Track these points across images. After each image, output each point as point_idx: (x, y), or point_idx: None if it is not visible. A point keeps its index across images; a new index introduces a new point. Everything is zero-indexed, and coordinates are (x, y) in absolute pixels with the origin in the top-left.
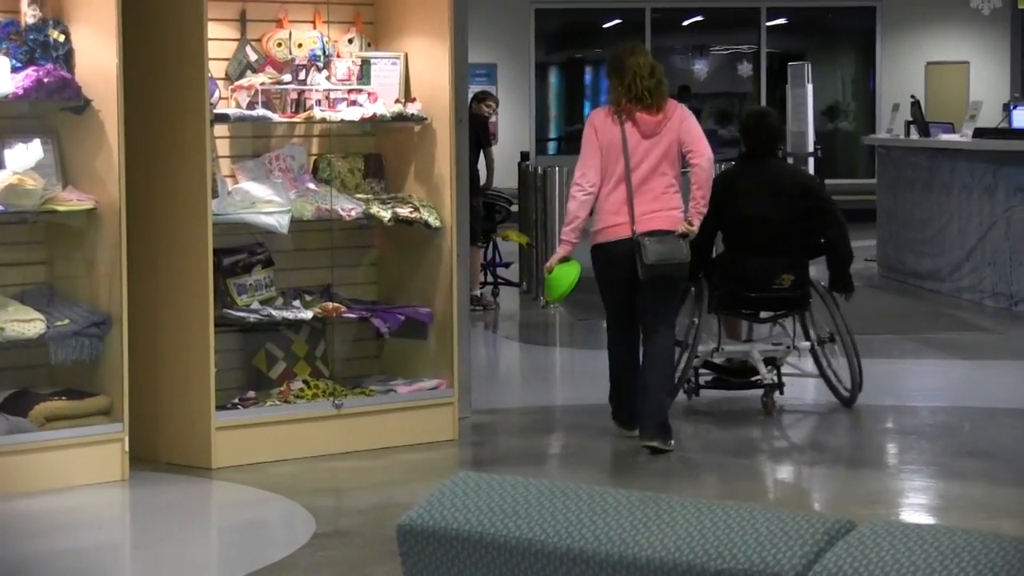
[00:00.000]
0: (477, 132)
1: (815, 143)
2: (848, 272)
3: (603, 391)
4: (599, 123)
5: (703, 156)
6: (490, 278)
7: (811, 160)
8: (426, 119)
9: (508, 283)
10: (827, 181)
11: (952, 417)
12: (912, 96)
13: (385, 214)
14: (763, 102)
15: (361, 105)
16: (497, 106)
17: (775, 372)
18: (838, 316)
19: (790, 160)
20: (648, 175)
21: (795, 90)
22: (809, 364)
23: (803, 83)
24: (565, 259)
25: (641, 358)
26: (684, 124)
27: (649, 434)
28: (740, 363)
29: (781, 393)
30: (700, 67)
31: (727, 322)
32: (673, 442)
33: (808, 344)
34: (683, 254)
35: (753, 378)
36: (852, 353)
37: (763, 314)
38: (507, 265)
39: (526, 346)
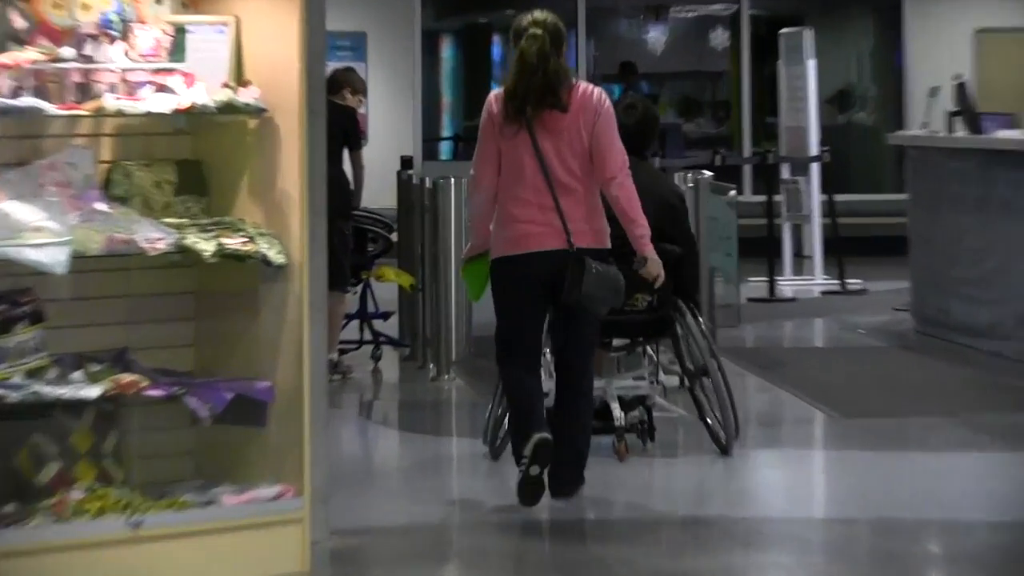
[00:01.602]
0: (344, 129)
1: (821, 144)
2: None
3: (515, 498)
4: (496, 110)
5: (617, 171)
6: (367, 335)
7: (814, 169)
8: (265, 111)
9: (389, 342)
10: (841, 198)
11: (1022, 537)
12: (956, 76)
13: (207, 246)
14: (746, 85)
15: (173, 91)
16: (365, 93)
17: (645, 413)
18: (702, 340)
19: (785, 169)
20: (564, 174)
21: (790, 68)
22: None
23: (802, 58)
24: (476, 257)
25: (556, 402)
26: (598, 122)
27: (564, 491)
28: (599, 404)
29: (652, 439)
30: (655, 36)
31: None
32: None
33: (675, 379)
34: (621, 282)
35: (610, 422)
36: (722, 385)
37: (616, 342)
38: (385, 316)
39: (409, 436)
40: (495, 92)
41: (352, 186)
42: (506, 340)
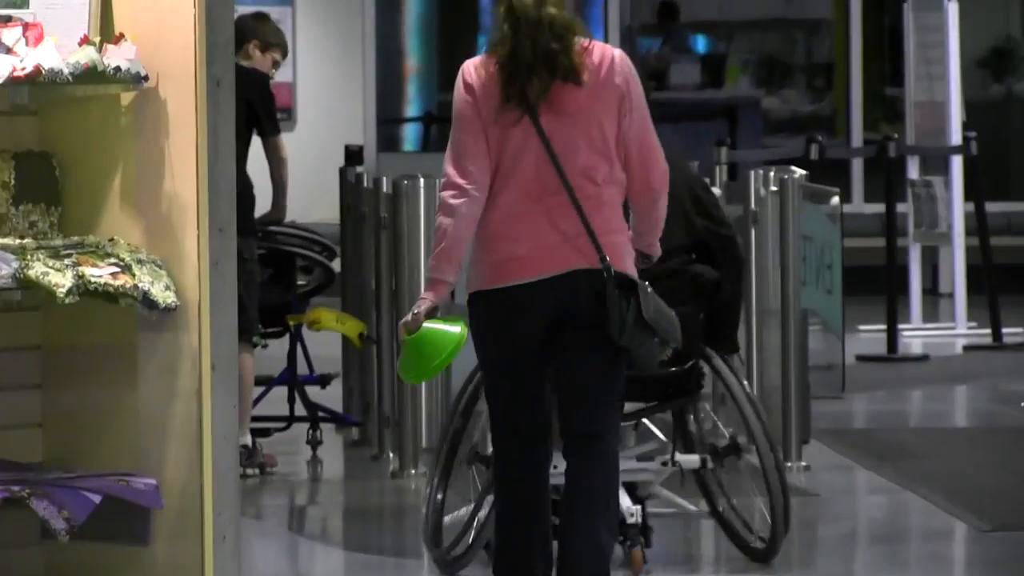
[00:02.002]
0: (248, 102)
1: (965, 127)
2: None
3: None
4: (479, 83)
5: (658, 177)
6: (299, 408)
7: (955, 165)
8: (146, 78)
9: (330, 418)
10: (994, 208)
11: None
12: None
13: (60, 280)
14: (856, 40)
15: (10, 50)
16: (284, 51)
17: (640, 509)
18: (747, 405)
19: (914, 165)
20: (578, 173)
21: (922, 14)
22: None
23: (938, 2)
24: (434, 311)
25: (567, 483)
26: (627, 104)
27: None
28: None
29: (647, 544)
30: None
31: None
32: None
33: (696, 458)
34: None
35: None
36: (774, 469)
37: (626, 407)
38: (323, 381)
39: (359, 560)
40: (473, 61)
41: (272, 189)
42: (505, 412)
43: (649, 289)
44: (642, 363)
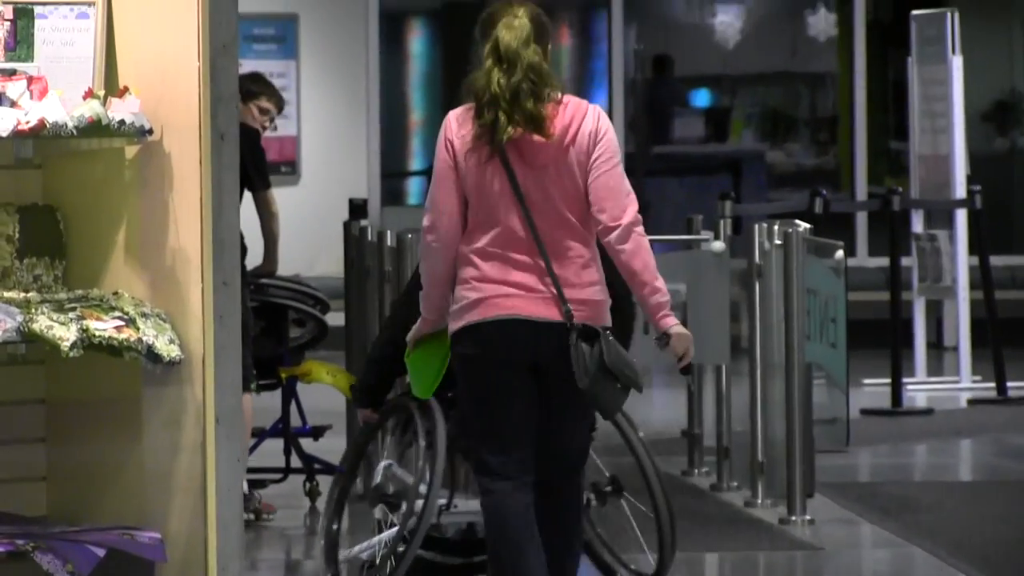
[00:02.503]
0: (241, 160)
1: (969, 181)
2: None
3: None
4: (459, 137)
5: (624, 214)
6: (295, 459)
7: (960, 218)
8: (150, 132)
9: (326, 469)
10: (998, 262)
11: None
12: None
13: (64, 333)
14: (860, 93)
15: (15, 104)
16: (280, 106)
17: None
18: (635, 440)
19: (918, 218)
20: (553, 225)
21: (926, 68)
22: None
23: (943, 54)
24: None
25: (539, 517)
26: (596, 154)
27: None
28: (461, 533)
29: None
30: (726, 21)
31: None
32: None
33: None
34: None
35: (479, 557)
36: (663, 503)
37: None
38: (316, 433)
39: None
40: (456, 111)
41: (263, 242)
42: (487, 446)
43: (611, 337)
44: (605, 408)
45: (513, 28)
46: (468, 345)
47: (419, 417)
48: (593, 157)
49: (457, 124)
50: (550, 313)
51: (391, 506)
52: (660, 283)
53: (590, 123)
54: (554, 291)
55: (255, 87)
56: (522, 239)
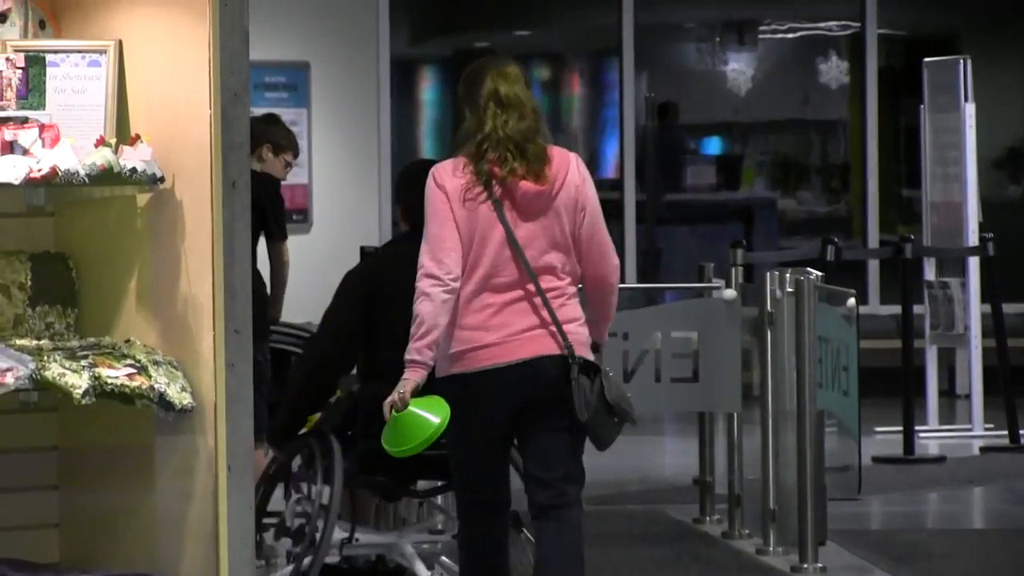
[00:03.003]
0: (260, 207)
1: (982, 228)
2: None
3: None
4: (451, 184)
5: (611, 271)
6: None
7: (972, 266)
8: (162, 179)
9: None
10: (1011, 310)
11: None
12: None
13: (77, 381)
14: (872, 140)
15: (27, 151)
16: (295, 152)
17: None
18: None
19: (930, 266)
20: (543, 268)
21: (939, 115)
22: None
23: (955, 101)
24: (415, 389)
25: (539, 547)
26: (582, 201)
27: None
28: (370, 564)
29: None
30: (738, 67)
31: (359, 499)
32: None
33: None
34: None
35: None
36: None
37: (421, 484)
38: None
39: None
40: (443, 164)
41: (271, 290)
42: (469, 485)
43: (611, 374)
44: (601, 439)
45: (508, 77)
46: (463, 391)
47: (319, 453)
48: (581, 207)
49: (446, 175)
50: (550, 348)
51: (296, 541)
52: (611, 323)
53: (575, 174)
54: (553, 328)
55: (284, 142)
56: (516, 281)
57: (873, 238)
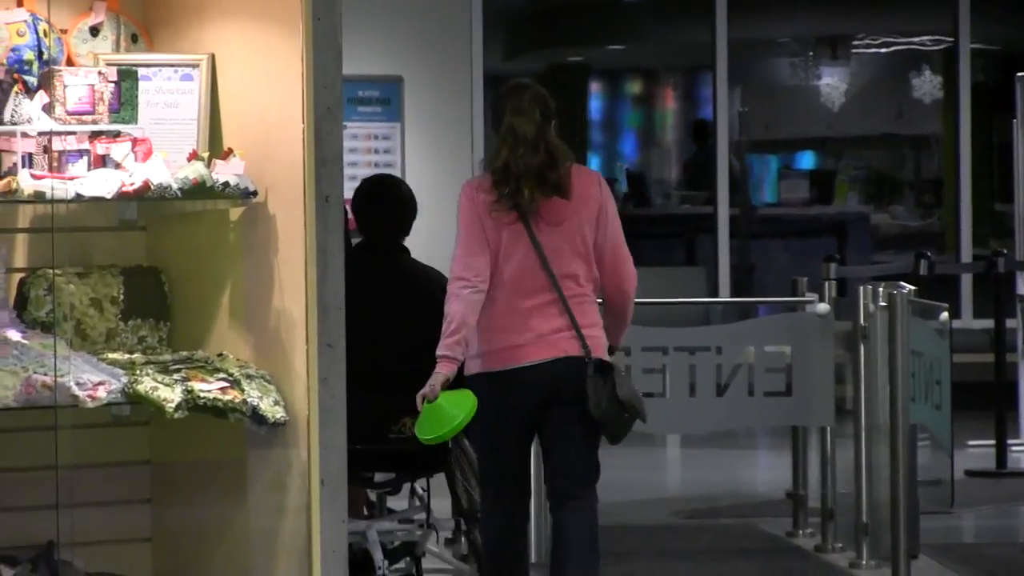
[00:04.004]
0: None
1: None
2: None
3: None
4: (480, 198)
5: (628, 279)
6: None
7: None
8: (255, 193)
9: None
10: None
11: None
12: None
13: (169, 395)
14: (965, 155)
15: (120, 165)
16: None
17: (414, 564)
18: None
19: (1022, 278)
20: (565, 274)
21: None
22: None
23: None
24: (446, 383)
25: (556, 535)
26: (604, 214)
27: None
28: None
29: None
30: (830, 83)
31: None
32: None
33: (451, 521)
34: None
35: None
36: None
37: (379, 476)
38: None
39: None
40: (472, 180)
41: None
42: (493, 475)
43: (624, 372)
44: (614, 434)
45: (523, 112)
46: (494, 387)
47: None
48: (602, 220)
49: (476, 189)
50: (574, 349)
51: None
52: (627, 329)
53: (596, 190)
54: (574, 331)
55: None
56: (542, 287)
57: (966, 252)
